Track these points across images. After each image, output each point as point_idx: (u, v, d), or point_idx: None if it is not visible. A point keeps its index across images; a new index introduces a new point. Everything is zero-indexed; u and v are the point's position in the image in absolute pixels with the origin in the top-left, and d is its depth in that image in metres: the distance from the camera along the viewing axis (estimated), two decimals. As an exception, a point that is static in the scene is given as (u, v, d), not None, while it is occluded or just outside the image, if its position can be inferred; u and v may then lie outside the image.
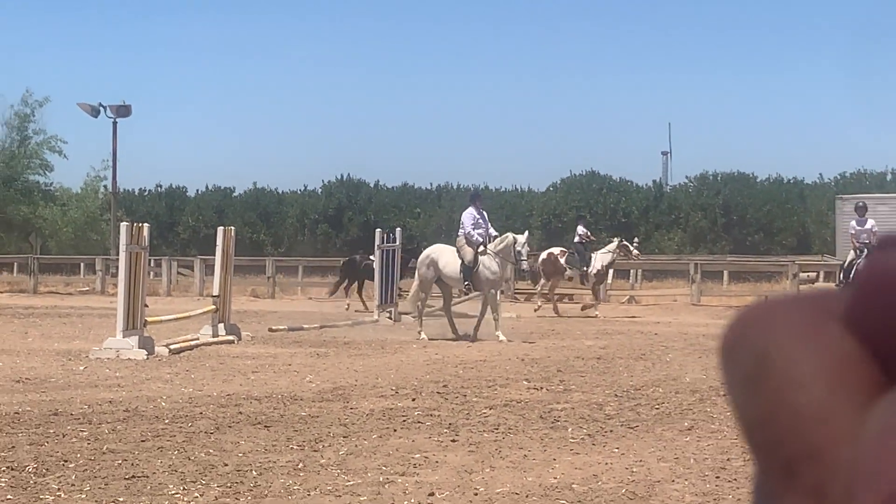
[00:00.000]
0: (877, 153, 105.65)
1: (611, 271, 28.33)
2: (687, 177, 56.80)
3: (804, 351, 0.33)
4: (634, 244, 28.33)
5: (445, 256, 21.17)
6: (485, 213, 21.71)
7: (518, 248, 20.49)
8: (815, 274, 34.33)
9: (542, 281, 27.48)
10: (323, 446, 9.32)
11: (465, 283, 20.73)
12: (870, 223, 23.51)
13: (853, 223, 23.04)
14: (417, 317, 21.06)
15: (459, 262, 20.79)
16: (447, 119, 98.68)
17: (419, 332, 20.24)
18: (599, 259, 27.29)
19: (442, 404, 11.67)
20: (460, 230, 21.32)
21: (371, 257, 27.21)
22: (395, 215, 51.16)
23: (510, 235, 20.91)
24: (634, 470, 8.39)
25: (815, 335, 0.34)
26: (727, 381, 0.35)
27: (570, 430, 10.17)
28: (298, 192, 58.05)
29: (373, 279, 26.24)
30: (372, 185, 57.44)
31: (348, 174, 57.65)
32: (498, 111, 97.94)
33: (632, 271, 36.80)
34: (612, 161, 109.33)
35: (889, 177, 53.49)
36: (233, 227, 22.63)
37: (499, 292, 21.36)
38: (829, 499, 0.31)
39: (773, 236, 51.06)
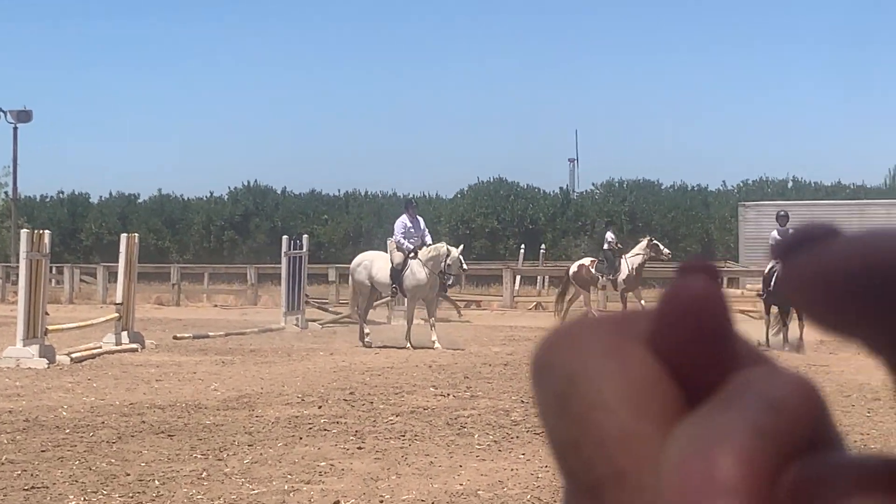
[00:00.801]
0: (778, 161, 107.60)
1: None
2: (593, 184, 57.28)
3: (609, 374, 0.34)
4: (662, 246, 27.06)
5: (378, 263, 21.21)
6: (420, 219, 21.72)
7: (448, 262, 20.46)
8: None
9: (573, 291, 26.54)
10: (227, 455, 9.24)
11: (392, 285, 20.75)
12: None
13: (774, 232, 22.52)
14: (359, 325, 20.87)
15: (389, 267, 20.82)
16: (355, 125, 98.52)
17: (365, 338, 20.05)
18: (627, 263, 26.35)
19: (348, 411, 11.64)
20: (392, 237, 21.40)
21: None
22: (303, 222, 50.91)
23: (442, 247, 20.84)
24: (540, 476, 8.42)
25: (620, 357, 0.34)
26: (537, 403, 0.35)
27: (476, 436, 10.19)
28: (204, 198, 57.46)
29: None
30: (279, 192, 57.06)
31: (255, 180, 57.24)
32: (406, 117, 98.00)
33: (539, 278, 37.03)
34: (520, 168, 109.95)
35: (790, 184, 54.45)
36: (136, 234, 22.36)
37: (437, 298, 21.39)
38: None
39: (678, 243, 51.62)
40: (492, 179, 55.47)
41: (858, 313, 0.30)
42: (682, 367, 0.34)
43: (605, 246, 27.26)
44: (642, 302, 25.51)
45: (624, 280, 26.18)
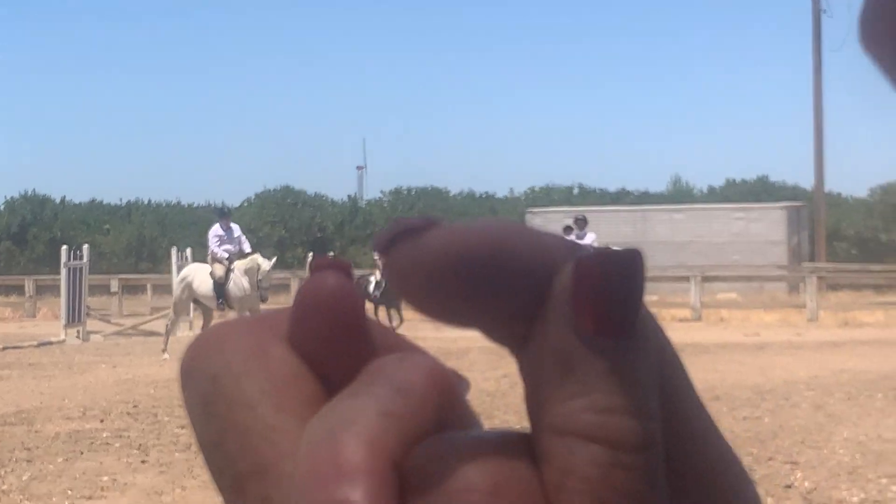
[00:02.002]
0: (564, 168, 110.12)
1: None
2: (382, 191, 57.47)
3: (250, 372, 0.34)
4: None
5: (200, 276, 20.70)
6: (235, 227, 21.32)
7: (259, 277, 20.23)
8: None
9: None
10: (5, 472, 8.85)
11: (219, 300, 20.26)
12: (590, 237, 22.31)
13: (572, 237, 22.56)
14: (165, 336, 20.25)
15: (212, 281, 20.34)
16: (137, 131, 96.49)
17: (163, 351, 19.39)
18: None
19: (132, 425, 11.27)
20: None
21: (371, 277, 25.21)
22: (84, 232, 49.46)
23: (257, 259, 20.52)
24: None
25: (262, 356, 0.35)
26: (186, 406, 0.36)
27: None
28: (-21, 209, 55.34)
29: (382, 303, 24.95)
30: (58, 201, 55.37)
31: (33, 189, 55.39)
32: (190, 124, 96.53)
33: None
34: (308, 176, 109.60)
35: (576, 191, 55.66)
36: None
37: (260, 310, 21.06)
38: None
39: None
40: (279, 187, 55.05)
41: (458, 298, 0.31)
42: (321, 360, 0.35)
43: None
44: None
45: None
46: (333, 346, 0.34)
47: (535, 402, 0.30)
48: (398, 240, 0.33)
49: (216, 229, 21.15)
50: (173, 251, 26.93)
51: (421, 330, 18.87)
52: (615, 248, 0.30)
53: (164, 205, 54.41)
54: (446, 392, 0.33)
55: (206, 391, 0.35)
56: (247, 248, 21.02)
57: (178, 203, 52.29)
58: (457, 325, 0.33)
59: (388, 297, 23.93)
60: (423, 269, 0.32)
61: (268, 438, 0.33)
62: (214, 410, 0.34)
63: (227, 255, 20.49)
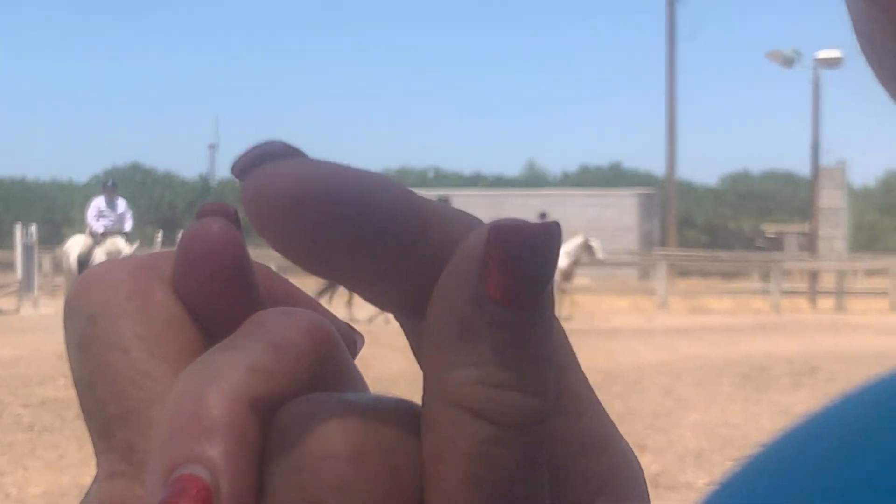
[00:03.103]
0: (420, 151, 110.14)
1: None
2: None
3: (128, 314, 0.33)
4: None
5: (75, 249, 20.09)
6: (121, 202, 20.65)
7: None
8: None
9: None
10: None
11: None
12: None
13: None
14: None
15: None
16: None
17: None
18: (561, 259, 24.78)
19: (-30, 405, 10.90)
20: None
21: None
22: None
23: (118, 242, 19.99)
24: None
25: (142, 298, 0.33)
26: (66, 344, 0.34)
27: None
28: None
29: None
30: None
31: None
32: (34, 97, 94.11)
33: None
34: (158, 153, 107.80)
35: (432, 174, 55.75)
36: None
37: None
38: (135, 456, 0.31)
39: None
40: (128, 164, 54.01)
41: (324, 238, 0.30)
42: (203, 309, 0.34)
43: None
44: (567, 297, 24.87)
45: (558, 274, 24.43)
46: (216, 295, 0.33)
47: (428, 367, 0.29)
48: (259, 164, 0.31)
49: (98, 202, 20.58)
50: (18, 228, 26.14)
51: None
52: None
53: (7, 181, 52.93)
54: (328, 350, 0.32)
55: (82, 330, 0.34)
56: (128, 226, 20.51)
57: (24, 179, 50.89)
58: (321, 271, 0.30)
59: None
60: (286, 199, 0.29)
61: (137, 383, 0.32)
62: (89, 351, 0.33)
63: (101, 230, 19.96)
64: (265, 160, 0.31)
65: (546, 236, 0.28)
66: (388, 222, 0.29)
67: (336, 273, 0.30)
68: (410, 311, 0.31)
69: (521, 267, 0.28)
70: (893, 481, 0.32)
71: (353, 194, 0.29)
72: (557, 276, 24.81)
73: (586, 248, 25.45)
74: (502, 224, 0.29)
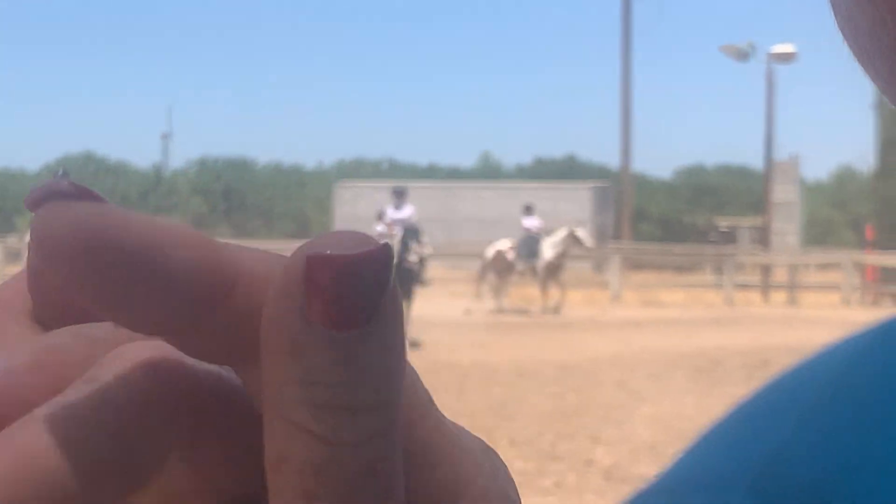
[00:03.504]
0: (375, 142, 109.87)
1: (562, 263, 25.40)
2: (187, 160, 56.44)
3: None
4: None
5: None
6: None
7: None
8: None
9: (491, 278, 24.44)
10: None
11: None
12: (408, 210, 20.36)
13: (389, 208, 20.81)
14: None
15: None
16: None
17: None
18: (549, 250, 24.64)
19: None
20: None
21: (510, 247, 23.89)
22: None
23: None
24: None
25: None
26: None
27: None
28: None
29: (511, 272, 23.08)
30: None
31: None
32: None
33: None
34: (110, 142, 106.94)
35: (386, 165, 55.59)
36: None
37: None
38: None
39: (273, 222, 51.57)
40: (80, 153, 53.48)
41: (103, 291, 0.28)
42: (68, 302, 0.31)
43: (524, 232, 25.45)
44: (561, 290, 24.46)
45: (545, 267, 24.40)
46: (80, 284, 0.28)
47: (264, 378, 0.28)
48: (48, 201, 0.28)
49: None
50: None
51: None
52: (353, 233, 0.28)
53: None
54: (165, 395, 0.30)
55: None
56: None
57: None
58: (117, 319, 0.28)
59: (398, 282, 21.90)
60: (65, 245, 0.27)
61: None
62: None
63: None
64: (53, 198, 0.29)
65: (368, 261, 0.27)
66: (184, 281, 0.28)
67: (130, 324, 0.28)
68: (225, 360, 0.30)
69: (340, 294, 0.27)
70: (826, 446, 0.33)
71: (136, 249, 0.27)
72: (543, 270, 24.47)
73: (573, 238, 25.13)
74: (317, 253, 0.27)
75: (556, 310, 22.77)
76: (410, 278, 18.14)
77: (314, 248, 0.27)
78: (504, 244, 25.15)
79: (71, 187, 0.30)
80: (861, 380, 0.35)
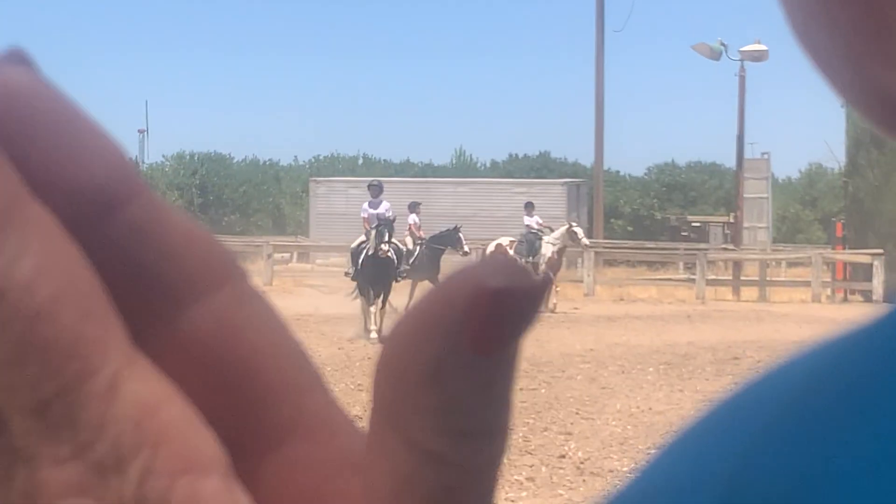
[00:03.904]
0: (349, 138, 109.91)
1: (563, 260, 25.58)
2: (163, 155, 56.35)
3: (45, 271, 0.28)
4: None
5: None
6: None
7: None
8: (289, 255, 34.93)
9: None
10: None
11: None
12: (384, 206, 20.05)
13: (366, 204, 20.46)
14: None
15: None
16: None
17: None
18: (549, 246, 24.65)
19: None
20: None
21: (551, 242, 23.94)
22: None
23: None
24: None
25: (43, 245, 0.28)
26: None
27: None
28: None
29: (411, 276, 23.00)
30: None
31: None
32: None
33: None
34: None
35: (361, 161, 55.69)
36: None
37: None
38: (81, 435, 0.28)
39: (249, 217, 51.61)
40: (56, 148, 53.37)
41: None
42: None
43: (526, 228, 25.45)
44: (557, 289, 24.31)
45: (545, 263, 24.04)
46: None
47: (389, 401, 0.29)
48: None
49: None
50: None
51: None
52: (519, 266, 0.28)
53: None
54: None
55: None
56: None
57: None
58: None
59: (421, 269, 21.23)
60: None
61: (73, 356, 0.27)
62: (10, 327, 0.27)
63: None
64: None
65: (533, 295, 0.27)
66: (87, 177, 0.29)
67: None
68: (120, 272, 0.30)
69: (499, 323, 0.27)
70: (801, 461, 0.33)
71: (52, 127, 0.29)
72: (544, 267, 23.77)
73: (571, 234, 25.14)
74: (489, 280, 0.27)
75: (553, 308, 22.79)
76: (386, 272, 18.21)
77: (475, 278, 0.27)
78: (504, 240, 25.18)
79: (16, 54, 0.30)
80: (829, 388, 0.35)
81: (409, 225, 22.61)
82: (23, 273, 0.27)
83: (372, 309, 17.78)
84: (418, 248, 21.58)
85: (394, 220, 19.08)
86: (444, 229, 22.75)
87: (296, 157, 57.69)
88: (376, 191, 20.47)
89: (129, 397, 0.28)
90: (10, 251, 0.27)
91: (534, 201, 27.11)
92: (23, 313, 0.27)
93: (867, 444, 0.31)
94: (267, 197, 52.75)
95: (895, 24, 0.34)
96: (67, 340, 0.27)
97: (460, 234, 22.32)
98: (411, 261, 21.65)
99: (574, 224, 26.12)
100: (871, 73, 0.36)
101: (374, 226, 18.74)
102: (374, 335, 17.15)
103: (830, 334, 0.35)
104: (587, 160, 47.67)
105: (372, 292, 17.93)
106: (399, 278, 18.78)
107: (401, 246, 19.39)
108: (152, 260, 0.29)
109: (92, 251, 0.28)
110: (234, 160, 55.53)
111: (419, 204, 25.92)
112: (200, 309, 0.30)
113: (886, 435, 0.31)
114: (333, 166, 53.35)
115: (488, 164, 59.34)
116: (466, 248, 22.22)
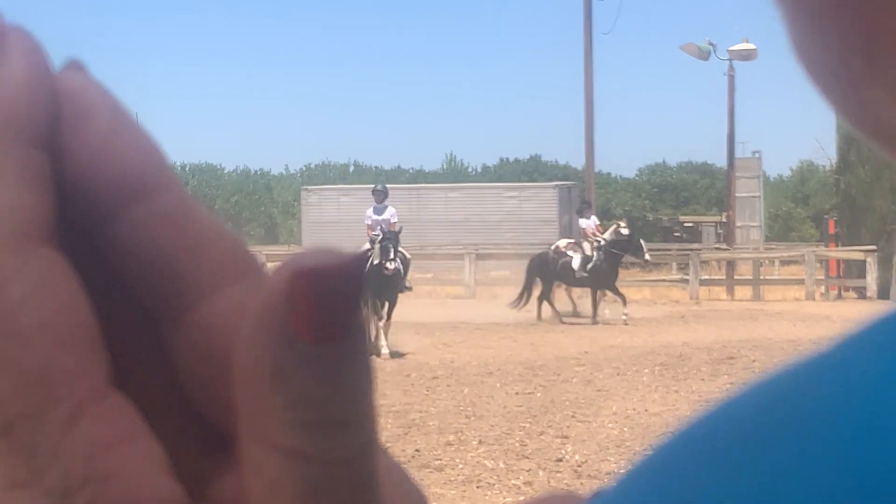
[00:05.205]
0: (340, 146, 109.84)
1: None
2: (153, 167, 56.37)
3: (35, 297, 0.29)
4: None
5: None
6: None
7: None
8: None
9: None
10: None
11: None
12: (390, 211, 18.70)
13: (370, 210, 18.98)
14: None
15: None
16: None
17: None
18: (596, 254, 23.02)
19: None
20: None
21: (570, 252, 22.57)
22: None
23: None
24: None
25: (41, 274, 0.30)
26: None
27: None
28: None
29: (569, 281, 22.05)
30: None
31: None
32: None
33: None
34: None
35: (352, 168, 55.64)
36: None
37: None
38: (38, 461, 0.29)
39: (242, 227, 51.57)
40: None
41: None
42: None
43: (584, 233, 23.82)
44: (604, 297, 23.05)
45: (588, 271, 22.65)
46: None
47: (243, 410, 0.29)
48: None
49: None
50: None
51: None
52: (325, 249, 0.28)
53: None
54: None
55: None
56: None
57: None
58: None
59: (599, 277, 20.63)
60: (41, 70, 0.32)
61: (43, 381, 0.29)
62: None
63: None
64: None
65: (346, 273, 0.28)
66: (94, 175, 0.32)
67: None
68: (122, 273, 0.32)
69: (324, 307, 0.27)
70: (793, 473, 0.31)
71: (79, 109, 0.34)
72: (588, 273, 22.52)
73: (619, 235, 23.23)
74: (302, 263, 0.28)
75: (601, 317, 22.11)
76: (392, 284, 17.00)
77: (292, 266, 0.28)
78: (563, 242, 23.96)
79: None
80: (785, 422, 0.33)
81: (583, 229, 22.06)
82: (11, 296, 0.29)
83: (380, 324, 16.66)
84: (596, 253, 21.25)
85: (400, 232, 17.78)
86: (434, 235, 22.19)
87: (287, 166, 57.69)
88: (381, 196, 19.17)
89: (85, 430, 0.28)
90: (4, 274, 0.29)
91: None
92: (2, 335, 0.29)
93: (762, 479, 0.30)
94: (259, 206, 52.69)
95: (885, 45, 0.34)
96: (38, 367, 0.29)
97: (641, 241, 21.98)
98: (588, 267, 21.11)
99: (621, 224, 24.35)
100: (863, 93, 0.37)
101: (378, 239, 17.43)
102: (385, 350, 16.14)
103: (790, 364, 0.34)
104: (578, 163, 47.69)
105: (378, 304, 16.79)
106: (404, 290, 17.59)
107: (407, 255, 17.99)
108: (179, 247, 0.32)
109: (124, 234, 0.31)
110: (225, 170, 55.50)
111: (590, 206, 24.68)
112: (222, 296, 0.32)
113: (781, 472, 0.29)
114: (325, 174, 53.30)
115: (479, 169, 59.32)
116: (647, 256, 21.85)
